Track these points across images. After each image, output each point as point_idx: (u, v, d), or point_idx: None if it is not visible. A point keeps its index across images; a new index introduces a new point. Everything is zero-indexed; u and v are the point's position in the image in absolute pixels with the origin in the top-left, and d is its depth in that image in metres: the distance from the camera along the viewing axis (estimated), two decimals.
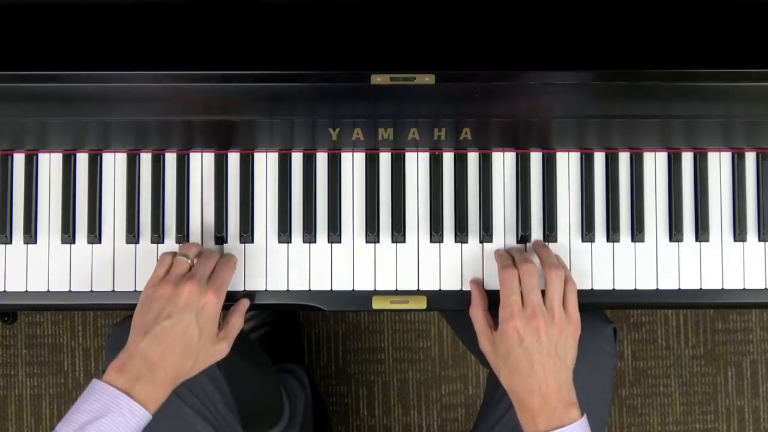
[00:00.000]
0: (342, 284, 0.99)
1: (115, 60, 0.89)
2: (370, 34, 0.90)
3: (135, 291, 0.98)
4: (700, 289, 0.99)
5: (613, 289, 0.99)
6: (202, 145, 0.99)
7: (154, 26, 0.90)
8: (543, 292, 0.91)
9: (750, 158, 1.00)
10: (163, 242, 0.99)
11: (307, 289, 0.99)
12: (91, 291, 0.99)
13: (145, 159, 0.99)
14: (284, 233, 0.98)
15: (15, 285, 0.99)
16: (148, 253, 0.99)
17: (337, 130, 0.95)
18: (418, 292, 0.99)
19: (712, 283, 0.99)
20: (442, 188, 0.99)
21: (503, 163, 1.00)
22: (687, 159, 1.00)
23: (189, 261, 0.92)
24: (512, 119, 0.93)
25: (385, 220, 0.99)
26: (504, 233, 0.99)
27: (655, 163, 1.00)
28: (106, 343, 1.03)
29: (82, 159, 0.99)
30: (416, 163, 1.00)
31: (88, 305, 1.00)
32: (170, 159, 0.99)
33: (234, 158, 0.99)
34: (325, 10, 0.90)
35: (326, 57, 0.89)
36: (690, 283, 0.99)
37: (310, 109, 0.92)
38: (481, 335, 0.94)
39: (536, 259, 0.96)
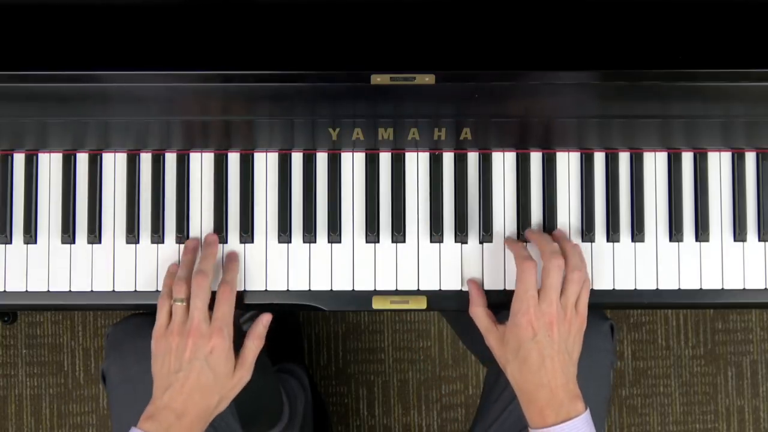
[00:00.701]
0: (342, 284, 0.99)
1: (115, 60, 0.89)
2: (370, 34, 0.90)
3: (135, 291, 0.98)
4: (700, 289, 0.99)
5: (613, 289, 0.99)
6: (202, 145, 0.99)
7: (154, 26, 0.90)
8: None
9: (750, 158, 1.00)
10: (163, 242, 0.99)
11: (307, 289, 0.99)
12: (91, 291, 0.99)
13: (145, 159, 0.99)
14: (284, 233, 0.98)
15: (15, 285, 0.99)
16: (148, 253, 0.99)
17: (337, 130, 0.95)
18: (418, 292, 0.99)
19: (712, 283, 0.99)
20: (442, 188, 0.99)
21: (503, 163, 1.00)
22: (687, 159, 1.00)
23: (185, 304, 0.92)
24: (512, 119, 0.93)
25: (385, 220, 0.99)
26: (504, 233, 0.99)
27: (655, 163, 1.00)
28: (106, 343, 1.03)
29: (82, 159, 0.99)
30: (416, 163, 1.00)
31: (88, 305, 1.00)
32: (170, 159, 0.99)
33: (234, 158, 0.99)
34: (325, 10, 0.90)
35: (326, 57, 0.89)
36: (690, 283, 0.99)
37: (310, 109, 0.92)
38: (486, 332, 0.94)
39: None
